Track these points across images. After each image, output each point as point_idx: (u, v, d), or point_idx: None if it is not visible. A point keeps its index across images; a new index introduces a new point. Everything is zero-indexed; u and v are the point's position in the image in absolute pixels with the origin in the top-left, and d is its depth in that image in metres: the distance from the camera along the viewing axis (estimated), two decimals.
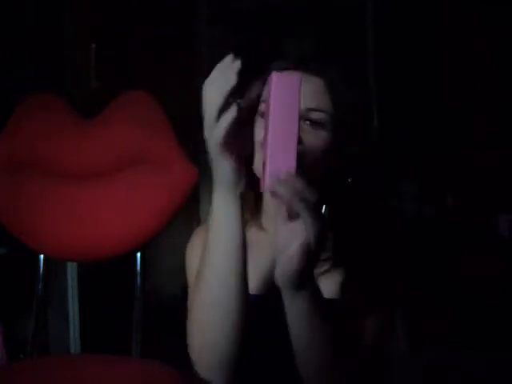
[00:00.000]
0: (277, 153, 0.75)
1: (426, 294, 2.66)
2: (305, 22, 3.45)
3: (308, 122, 0.96)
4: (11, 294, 2.08)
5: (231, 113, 0.78)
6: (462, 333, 2.60)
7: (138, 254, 1.68)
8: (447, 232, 3.14)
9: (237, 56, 0.79)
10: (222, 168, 0.83)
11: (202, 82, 0.83)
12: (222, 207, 0.86)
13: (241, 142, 0.83)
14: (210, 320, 0.91)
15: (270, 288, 1.01)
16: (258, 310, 0.97)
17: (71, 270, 2.44)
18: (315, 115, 0.96)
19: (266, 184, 0.75)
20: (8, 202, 1.69)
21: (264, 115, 0.81)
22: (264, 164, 0.79)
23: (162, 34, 3.42)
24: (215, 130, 0.80)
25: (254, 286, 0.91)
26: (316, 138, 0.96)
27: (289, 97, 0.76)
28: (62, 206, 1.68)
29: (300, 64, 0.99)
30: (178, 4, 3.49)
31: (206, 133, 0.82)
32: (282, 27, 3.50)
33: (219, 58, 0.81)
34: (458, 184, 3.36)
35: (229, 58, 0.79)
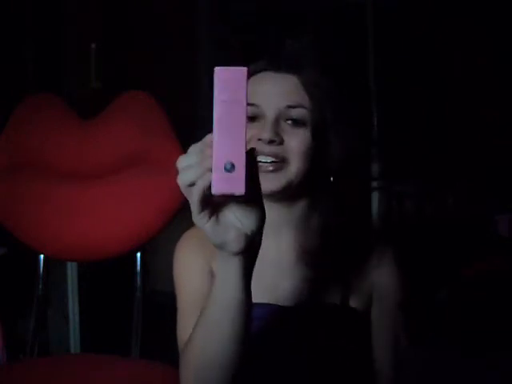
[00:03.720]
0: (224, 150, 0.67)
1: (426, 294, 2.66)
2: (305, 21, 3.45)
3: (289, 122, 0.95)
4: (11, 294, 2.08)
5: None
6: (462, 333, 2.60)
7: (138, 254, 1.68)
8: (447, 232, 3.14)
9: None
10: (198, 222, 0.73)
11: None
12: (222, 266, 0.76)
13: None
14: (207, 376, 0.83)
15: (273, 296, 1.00)
16: (261, 320, 0.95)
17: (71, 270, 2.43)
18: (295, 112, 0.95)
19: (214, 185, 0.67)
20: (8, 201, 1.69)
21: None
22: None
23: (162, 34, 3.42)
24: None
25: (256, 294, 0.88)
26: (297, 138, 0.94)
27: (235, 92, 0.67)
28: (62, 206, 1.67)
29: (272, 64, 0.98)
30: (178, 4, 3.49)
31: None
32: (282, 27, 3.50)
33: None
34: (458, 184, 3.36)
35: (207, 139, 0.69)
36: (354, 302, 1.00)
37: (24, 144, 1.73)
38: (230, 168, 0.67)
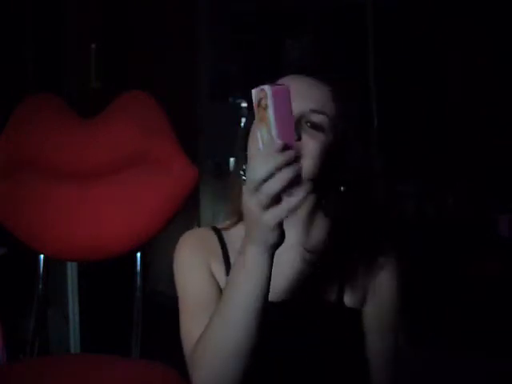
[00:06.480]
0: None
1: (426, 294, 2.66)
2: (305, 21, 3.46)
3: (309, 124, 0.97)
4: (11, 294, 2.08)
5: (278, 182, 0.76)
6: (462, 333, 2.60)
7: (138, 254, 1.68)
8: (447, 232, 3.14)
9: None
10: (264, 229, 0.80)
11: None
12: (256, 259, 0.82)
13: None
14: (220, 370, 0.86)
15: (290, 294, 1.00)
16: (278, 317, 0.95)
17: (71, 270, 2.44)
18: (316, 117, 0.97)
19: None
20: (8, 201, 1.69)
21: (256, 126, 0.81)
22: None
23: (162, 34, 3.43)
24: (259, 196, 0.77)
25: (273, 291, 0.88)
26: (315, 139, 0.96)
27: (285, 108, 0.77)
28: (62, 206, 1.67)
29: (314, 72, 1.01)
30: (178, 4, 3.49)
31: (246, 195, 0.78)
32: (282, 27, 3.50)
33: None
34: (458, 184, 3.37)
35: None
36: (350, 301, 1.00)
37: (24, 144, 1.73)
38: None
